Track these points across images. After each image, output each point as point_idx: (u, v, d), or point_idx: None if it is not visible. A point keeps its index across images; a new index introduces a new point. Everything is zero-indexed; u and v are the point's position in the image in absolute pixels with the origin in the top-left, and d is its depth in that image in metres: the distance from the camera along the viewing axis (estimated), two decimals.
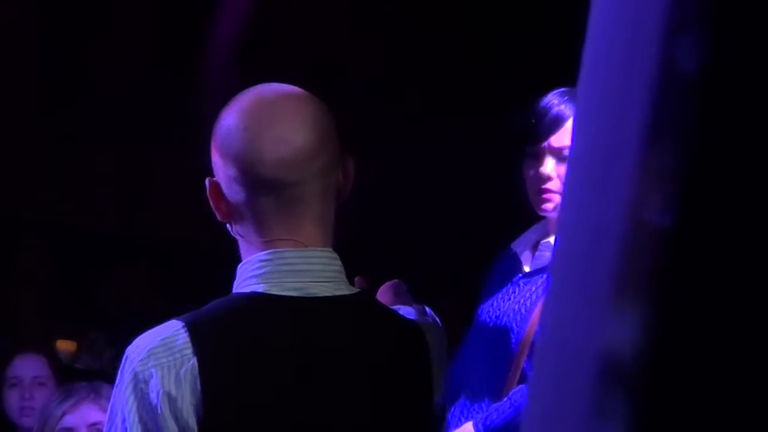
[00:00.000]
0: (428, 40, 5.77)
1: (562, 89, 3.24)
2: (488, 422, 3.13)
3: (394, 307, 2.29)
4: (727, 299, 1.04)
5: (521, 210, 3.33)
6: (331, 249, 2.14)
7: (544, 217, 3.32)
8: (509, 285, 3.33)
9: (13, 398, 4.92)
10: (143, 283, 6.72)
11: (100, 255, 6.17)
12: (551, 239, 3.26)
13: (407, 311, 2.29)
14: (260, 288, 2.10)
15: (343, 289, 2.14)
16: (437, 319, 2.37)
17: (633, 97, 1.05)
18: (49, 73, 5.77)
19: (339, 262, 2.14)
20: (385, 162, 5.38)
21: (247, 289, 2.11)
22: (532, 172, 3.20)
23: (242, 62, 5.41)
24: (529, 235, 3.38)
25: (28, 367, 4.96)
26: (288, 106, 2.11)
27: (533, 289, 3.25)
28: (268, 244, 2.11)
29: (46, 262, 6.19)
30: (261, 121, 2.08)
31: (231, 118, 2.11)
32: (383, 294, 2.49)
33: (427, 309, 2.40)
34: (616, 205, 1.09)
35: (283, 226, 2.10)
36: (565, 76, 3.21)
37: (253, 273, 2.11)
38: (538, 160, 3.19)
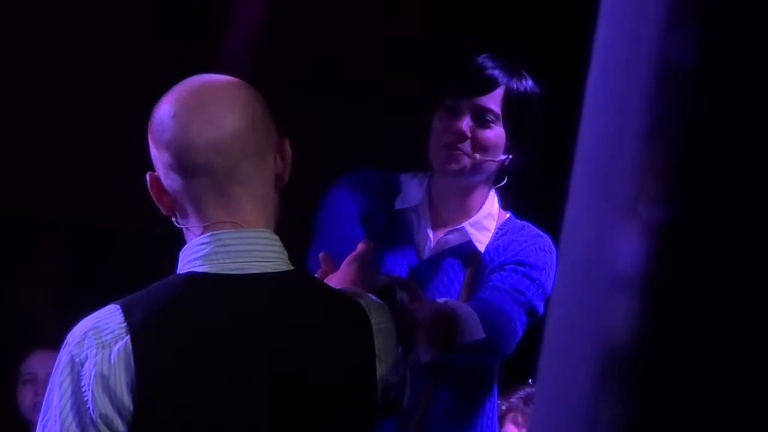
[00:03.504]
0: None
1: (491, 54, 3.01)
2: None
3: (349, 290, 2.28)
4: (725, 291, 1.05)
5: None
6: (271, 231, 2.16)
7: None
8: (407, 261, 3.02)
9: (27, 394, 4.94)
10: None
11: (118, 255, 6.18)
12: (466, 225, 3.00)
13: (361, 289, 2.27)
14: (199, 269, 2.12)
15: (282, 268, 2.15)
16: (403, 297, 2.35)
17: (633, 93, 1.05)
18: (70, 72, 5.79)
19: (279, 243, 2.16)
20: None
21: (185, 271, 2.14)
22: (444, 127, 2.95)
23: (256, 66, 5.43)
24: (414, 194, 3.04)
25: (43, 363, 4.98)
26: (216, 92, 2.15)
27: (451, 274, 3.00)
28: (207, 228, 2.13)
29: (63, 261, 6.21)
30: (191, 107, 2.12)
31: (162, 109, 2.15)
32: (346, 265, 2.46)
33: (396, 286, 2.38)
34: (618, 201, 1.10)
35: (221, 208, 2.13)
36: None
37: (193, 256, 2.13)
38: (456, 115, 2.94)
